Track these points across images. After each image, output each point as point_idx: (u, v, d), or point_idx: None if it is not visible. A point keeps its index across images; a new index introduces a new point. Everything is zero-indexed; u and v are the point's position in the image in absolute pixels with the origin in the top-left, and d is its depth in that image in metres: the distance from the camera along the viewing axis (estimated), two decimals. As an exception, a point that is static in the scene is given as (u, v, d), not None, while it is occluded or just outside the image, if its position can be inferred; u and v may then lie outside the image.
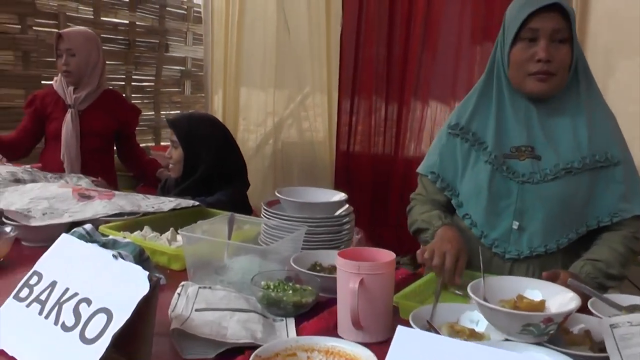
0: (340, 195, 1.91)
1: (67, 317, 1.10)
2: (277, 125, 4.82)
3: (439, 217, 1.88)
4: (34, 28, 4.14)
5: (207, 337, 1.19)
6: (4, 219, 1.85)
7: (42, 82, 4.20)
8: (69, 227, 1.88)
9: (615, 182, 1.77)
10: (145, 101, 5.09)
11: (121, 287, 1.06)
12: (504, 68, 1.85)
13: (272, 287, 1.42)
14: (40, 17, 4.22)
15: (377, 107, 4.53)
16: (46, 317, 1.14)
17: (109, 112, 3.38)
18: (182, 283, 1.44)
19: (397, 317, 1.37)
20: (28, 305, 1.19)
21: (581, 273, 1.65)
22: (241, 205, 2.51)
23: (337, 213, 1.86)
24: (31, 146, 3.40)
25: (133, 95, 4.96)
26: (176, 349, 1.21)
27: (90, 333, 1.04)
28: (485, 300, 1.25)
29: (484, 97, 1.91)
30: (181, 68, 5.43)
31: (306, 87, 4.70)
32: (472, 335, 1.24)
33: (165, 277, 1.55)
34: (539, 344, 1.18)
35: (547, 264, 1.76)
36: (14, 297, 1.23)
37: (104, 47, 3.56)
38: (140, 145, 3.82)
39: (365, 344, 1.16)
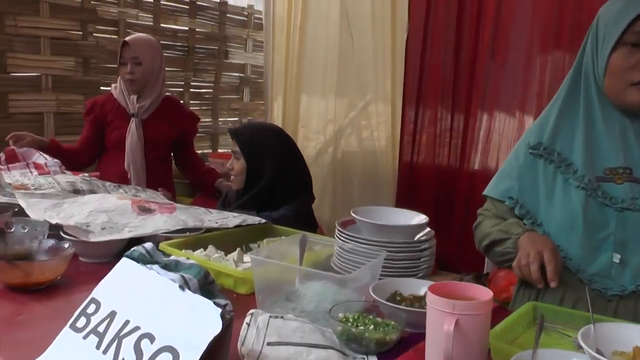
0: (421, 218, 1.75)
1: (128, 353, 0.98)
2: (337, 133, 4.70)
3: (519, 224, 1.69)
4: (95, 35, 4.16)
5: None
6: (62, 233, 1.75)
7: (101, 87, 4.21)
8: (128, 242, 1.78)
9: None
10: (203, 108, 5.02)
11: (189, 324, 0.93)
12: (597, 76, 1.65)
13: (351, 320, 1.27)
14: (101, 24, 4.24)
15: (443, 117, 4.37)
16: (104, 352, 1.02)
17: (169, 120, 3.29)
18: (252, 311, 1.31)
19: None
20: (85, 337, 1.07)
21: None
22: (306, 220, 2.37)
23: (417, 237, 1.70)
24: (95, 154, 3.33)
25: (191, 101, 4.89)
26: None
27: (153, 375, 0.91)
28: (598, 351, 1.06)
29: (568, 110, 1.71)
30: (240, 75, 5.34)
31: (368, 95, 4.58)
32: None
33: (231, 303, 1.42)
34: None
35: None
36: (70, 327, 1.11)
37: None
38: (198, 152, 3.73)
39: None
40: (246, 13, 5.28)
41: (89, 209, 1.87)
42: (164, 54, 3.42)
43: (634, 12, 1.55)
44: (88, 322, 1.09)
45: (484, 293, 1.19)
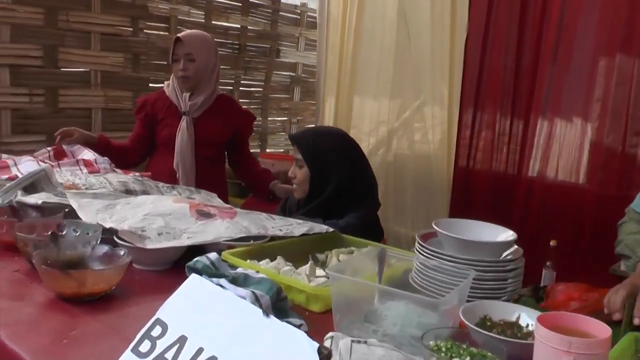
0: (508, 234, 1.58)
1: (202, 387, 0.84)
2: (389, 134, 4.54)
3: None
4: (145, 31, 4.11)
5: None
6: (115, 238, 1.63)
7: (150, 84, 4.18)
8: (186, 249, 1.65)
9: None
10: (252, 107, 4.91)
11: (278, 358, 0.79)
12: None
13: (443, 349, 1.12)
14: (152, 21, 4.18)
15: (501, 122, 4.17)
16: (173, 383, 0.88)
17: (223, 118, 3.16)
18: (331, 334, 1.16)
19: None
20: (150, 364, 0.94)
21: None
22: (373, 228, 2.23)
23: (504, 255, 1.54)
24: (146, 153, 3.22)
25: (241, 100, 4.77)
26: None
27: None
28: None
29: None
30: (291, 74, 5.23)
31: (423, 97, 4.41)
32: None
33: (305, 322, 1.28)
34: None
35: None
36: (132, 351, 0.98)
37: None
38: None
39: None
40: (299, 11, 5.18)
41: (144, 212, 1.74)
42: (215, 52, 3.31)
43: None
44: (153, 347, 0.95)
45: (601, 329, 1.03)
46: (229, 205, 2.06)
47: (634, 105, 3.39)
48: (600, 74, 3.69)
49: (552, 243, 3.09)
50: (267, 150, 5.03)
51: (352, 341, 1.13)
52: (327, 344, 1.13)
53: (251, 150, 3.42)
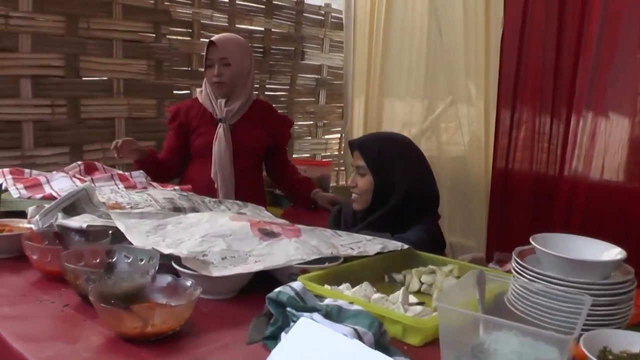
0: (617, 251, 1.38)
1: None
2: (421, 135, 4.37)
3: None
4: (167, 37, 3.97)
5: None
6: (174, 264, 1.45)
7: (174, 91, 4.05)
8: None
9: None
10: (278, 111, 4.75)
11: None
12: None
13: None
14: (175, 26, 4.04)
15: (541, 121, 3.99)
16: None
17: (261, 124, 3.00)
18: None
19: None
20: None
21: None
22: (438, 240, 2.06)
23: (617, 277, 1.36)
24: (181, 164, 3.05)
25: (267, 105, 4.65)
26: None
27: None
28: None
29: None
30: (316, 76, 5.07)
31: (457, 96, 4.24)
32: None
33: (406, 357, 1.11)
34: None
35: None
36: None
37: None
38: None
39: None
40: (323, 12, 5.01)
41: (201, 233, 1.58)
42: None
43: None
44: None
45: None
46: (283, 221, 1.89)
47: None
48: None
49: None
50: (294, 155, 4.87)
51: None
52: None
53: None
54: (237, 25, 4.38)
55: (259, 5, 4.52)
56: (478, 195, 4.19)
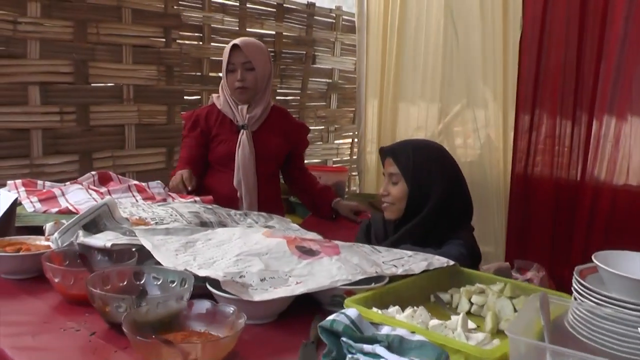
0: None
1: None
2: (436, 138, 4.27)
3: None
4: (178, 41, 3.88)
5: None
6: (208, 286, 1.34)
7: (185, 97, 3.98)
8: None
9: None
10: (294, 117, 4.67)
11: None
12: None
13: None
14: (185, 30, 3.96)
15: (562, 124, 3.88)
16: None
17: (280, 131, 2.89)
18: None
19: None
20: None
21: None
22: (476, 254, 1.95)
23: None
24: (202, 174, 2.89)
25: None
26: None
27: None
28: None
29: None
30: (328, 80, 4.97)
31: (474, 98, 4.14)
32: None
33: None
34: None
35: None
36: None
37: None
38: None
39: None
40: (334, 15, 4.92)
41: (234, 251, 1.47)
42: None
43: None
44: None
45: None
46: (318, 236, 1.78)
47: None
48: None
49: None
50: (305, 161, 4.77)
51: None
52: None
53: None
54: (247, 29, 4.29)
55: (269, 9, 4.43)
56: (496, 199, 4.10)
